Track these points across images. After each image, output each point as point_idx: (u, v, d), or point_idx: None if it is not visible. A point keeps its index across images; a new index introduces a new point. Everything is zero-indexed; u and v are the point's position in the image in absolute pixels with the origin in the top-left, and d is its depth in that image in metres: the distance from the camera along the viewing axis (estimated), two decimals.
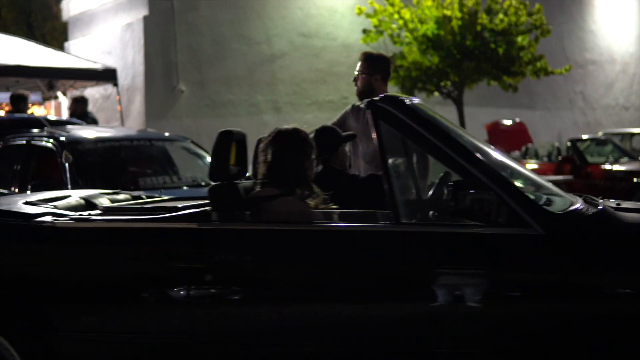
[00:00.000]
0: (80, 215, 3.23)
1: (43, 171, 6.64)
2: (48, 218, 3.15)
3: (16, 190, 6.50)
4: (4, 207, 3.31)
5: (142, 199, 3.92)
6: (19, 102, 9.09)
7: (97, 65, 11.21)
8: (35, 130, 7.15)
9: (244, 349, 2.95)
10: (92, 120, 9.49)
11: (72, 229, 3.11)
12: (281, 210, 3.10)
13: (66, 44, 14.05)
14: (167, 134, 7.87)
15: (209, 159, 7.16)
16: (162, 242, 3.03)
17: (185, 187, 6.35)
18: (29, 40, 11.76)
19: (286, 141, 3.25)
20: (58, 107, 13.46)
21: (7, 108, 9.28)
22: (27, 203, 3.41)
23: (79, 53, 12.71)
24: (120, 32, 12.83)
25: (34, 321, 2.97)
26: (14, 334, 2.97)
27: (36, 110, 12.41)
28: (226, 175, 3.15)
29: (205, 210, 3.12)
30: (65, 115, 13.12)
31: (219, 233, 3.03)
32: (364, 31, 12.43)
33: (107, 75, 11.19)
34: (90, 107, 11.41)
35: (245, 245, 2.96)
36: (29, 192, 5.98)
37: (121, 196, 3.83)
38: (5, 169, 6.98)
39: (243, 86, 13.25)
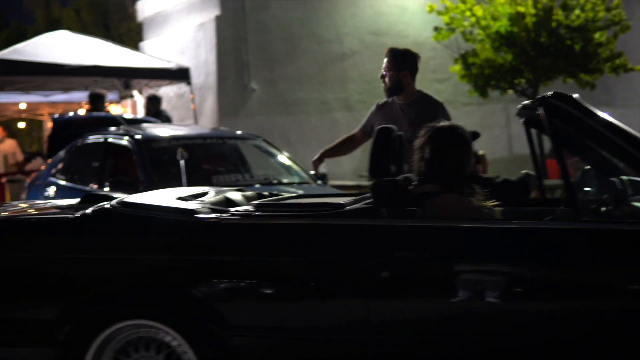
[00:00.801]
0: (237, 211, 3.25)
1: (120, 168, 6.80)
2: (211, 214, 3.17)
3: (94, 186, 6.69)
4: (161, 203, 3.32)
5: (267, 196, 3.90)
6: (97, 101, 9.33)
7: (171, 65, 11.40)
8: (112, 129, 7.35)
9: (424, 346, 2.93)
10: (165, 119, 9.67)
11: (239, 225, 3.13)
12: (449, 207, 3.09)
13: (141, 44, 14.35)
14: (239, 132, 7.96)
15: (280, 157, 7.24)
16: (333, 238, 3.03)
17: (257, 185, 6.41)
18: (106, 40, 12.04)
19: (444, 138, 3.22)
20: (134, 106, 13.75)
21: (87, 107, 9.53)
22: (179, 199, 3.42)
23: (153, 53, 12.96)
24: (193, 32, 13.03)
25: (205, 314, 3.02)
26: (187, 328, 3.03)
27: (113, 109, 12.71)
28: (387, 172, 3.17)
29: (372, 207, 3.11)
30: (141, 113, 13.42)
31: (395, 229, 3.01)
32: (436, 29, 12.30)
33: (181, 75, 11.37)
34: (165, 106, 11.62)
35: (423, 241, 2.95)
36: (106, 189, 6.12)
37: (249, 193, 3.84)
38: (85, 166, 7.19)
39: (314, 84, 13.31)
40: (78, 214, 3.31)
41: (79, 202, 3.81)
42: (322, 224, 3.07)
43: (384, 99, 4.78)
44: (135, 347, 3.08)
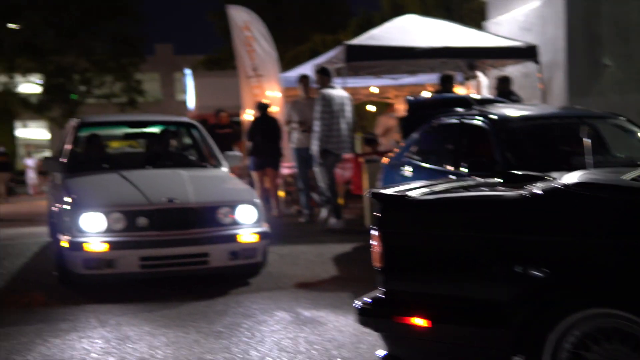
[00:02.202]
0: None
1: (475, 149, 6.82)
2: None
3: (449, 167, 6.80)
4: (619, 184, 3.19)
5: None
6: (447, 83, 9.48)
7: (518, 43, 11.19)
8: (463, 110, 7.39)
9: None
10: (516, 99, 9.51)
11: None
12: None
13: (485, 24, 14.29)
14: (596, 110, 7.54)
15: None
16: None
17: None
18: (452, 22, 12.18)
19: None
20: (478, 87, 13.76)
21: (431, 89, 9.72)
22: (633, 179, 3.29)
23: (497, 32, 12.83)
24: (540, 8, 12.63)
25: None
26: None
27: (457, 90, 12.84)
28: None
29: None
30: (485, 94, 13.40)
31: None
32: None
33: (528, 53, 11.11)
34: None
35: None
36: (465, 170, 6.16)
37: None
38: (439, 146, 7.35)
39: None
40: (528, 194, 3.24)
41: (504, 180, 3.88)
42: None
43: None
44: (595, 338, 2.94)
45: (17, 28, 36.26)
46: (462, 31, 11.47)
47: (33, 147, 44.16)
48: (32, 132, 47.37)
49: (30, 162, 28.44)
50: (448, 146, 7.07)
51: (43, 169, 8.20)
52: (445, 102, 8.31)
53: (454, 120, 7.17)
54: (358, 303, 3.69)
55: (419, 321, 3.39)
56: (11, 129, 34.90)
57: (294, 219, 11.30)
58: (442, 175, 6.79)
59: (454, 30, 11.41)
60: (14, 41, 36.42)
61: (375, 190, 3.78)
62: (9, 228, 12.14)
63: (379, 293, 3.64)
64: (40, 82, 38.37)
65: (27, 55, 36.38)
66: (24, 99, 37.55)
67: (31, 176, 27.83)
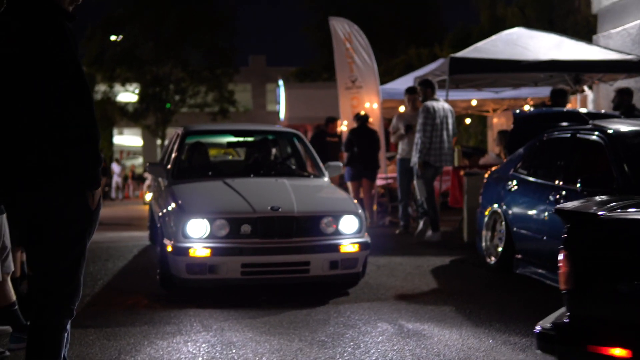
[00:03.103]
0: None
1: (589, 164, 6.56)
2: None
3: (560, 183, 6.55)
4: None
5: None
6: (558, 97, 9.18)
7: (630, 57, 10.75)
8: (577, 124, 7.13)
9: None
10: (638, 113, 9.10)
11: None
12: None
13: (594, 37, 13.83)
14: None
15: None
16: None
17: None
18: (559, 35, 11.83)
19: None
20: (584, 101, 13.35)
21: (548, 102, 9.41)
22: None
23: (607, 45, 12.41)
24: None
25: None
26: None
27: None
28: None
29: None
30: (590, 109, 12.96)
31: None
32: None
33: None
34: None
35: None
36: (578, 186, 5.92)
37: None
38: (549, 161, 7.10)
39: None
40: None
41: None
42: None
43: None
44: None
45: (119, 40, 37.51)
46: (570, 44, 11.12)
47: (128, 153, 45.53)
48: (127, 139, 48.82)
49: (116, 168, 29.14)
50: (559, 161, 6.82)
51: (148, 173, 8.32)
52: (554, 116, 8.05)
53: (566, 135, 6.92)
54: (538, 328, 3.53)
55: (618, 351, 3.17)
56: (110, 136, 36.03)
57: (388, 231, 11.18)
58: (551, 190, 6.55)
59: (561, 43, 11.08)
60: (114, 52, 37.70)
61: (562, 207, 3.60)
62: (108, 231, 12.44)
63: (563, 318, 3.44)
64: (137, 91, 39.53)
65: (126, 65, 37.58)
66: (121, 107, 38.76)
67: (115, 180, 28.66)
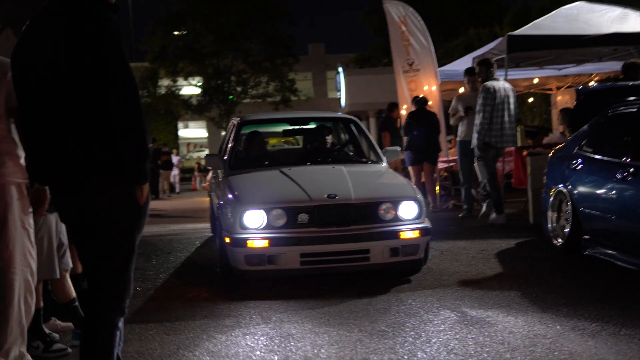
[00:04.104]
0: None
1: None
2: None
3: (628, 160, 6.28)
4: None
5: None
6: (631, 71, 8.83)
7: None
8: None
9: None
10: None
11: None
12: None
13: None
14: None
15: None
16: None
17: None
18: (623, 7, 11.39)
19: None
20: None
21: (621, 76, 9.03)
22: None
23: None
24: None
25: None
26: None
27: None
28: None
29: None
30: None
31: None
32: None
33: None
34: None
35: None
36: None
37: None
38: (615, 138, 6.82)
39: None
40: None
41: None
42: None
43: None
44: None
45: (181, 34, 37.99)
46: (635, 16, 10.70)
47: (195, 145, 46.08)
48: (192, 132, 49.47)
49: (175, 160, 28.62)
50: (625, 137, 6.54)
51: (206, 166, 8.35)
52: (619, 91, 7.73)
53: (632, 110, 6.63)
54: None
55: None
56: (175, 129, 36.60)
57: (452, 214, 10.99)
58: (619, 168, 6.29)
59: (626, 16, 10.67)
60: (177, 47, 38.18)
61: None
62: (172, 224, 12.56)
63: None
64: (200, 84, 39.97)
65: (189, 59, 38.03)
66: (185, 101, 39.25)
67: (174, 174, 28.21)
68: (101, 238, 3.34)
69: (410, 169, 11.60)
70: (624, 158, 6.36)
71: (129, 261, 3.40)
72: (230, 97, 39.31)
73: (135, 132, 3.25)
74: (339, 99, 25.27)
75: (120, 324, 3.43)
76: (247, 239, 6.09)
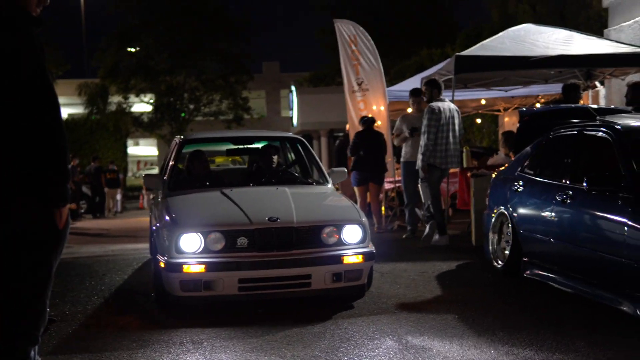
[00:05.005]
0: None
1: (597, 162, 6.28)
2: None
3: (567, 182, 6.27)
4: None
5: None
6: (570, 92, 8.87)
7: None
8: (584, 121, 6.85)
9: None
10: None
11: None
12: None
13: (605, 31, 13.51)
14: None
15: None
16: None
17: None
18: (569, 30, 11.52)
19: None
20: (595, 97, 13.02)
21: (558, 97, 9.07)
22: None
23: (618, 39, 12.07)
24: None
25: None
26: None
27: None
28: None
29: None
30: (602, 104, 12.62)
31: None
32: None
33: None
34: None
35: None
36: (584, 184, 5.67)
37: None
38: (555, 160, 6.82)
39: None
40: None
41: None
42: None
43: None
44: None
45: (135, 51, 37.56)
46: (580, 39, 10.82)
47: (145, 163, 45.53)
48: (143, 149, 48.92)
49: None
50: (566, 159, 6.55)
51: (145, 186, 8.10)
52: (562, 112, 7.76)
53: (573, 132, 6.64)
54: None
55: None
56: (124, 147, 36.10)
57: (396, 235, 10.92)
58: (558, 190, 6.28)
59: (571, 38, 10.78)
60: (129, 63, 37.74)
61: None
62: (113, 244, 12.28)
63: None
64: (152, 101, 39.56)
65: (141, 76, 37.61)
66: (136, 118, 38.78)
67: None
68: (15, 262, 3.16)
69: (356, 189, 11.51)
70: (564, 180, 6.35)
71: (44, 288, 3.23)
72: (183, 114, 38.97)
73: (54, 152, 3.09)
74: (291, 117, 25.20)
75: (33, 353, 3.25)
76: (182, 263, 5.87)
